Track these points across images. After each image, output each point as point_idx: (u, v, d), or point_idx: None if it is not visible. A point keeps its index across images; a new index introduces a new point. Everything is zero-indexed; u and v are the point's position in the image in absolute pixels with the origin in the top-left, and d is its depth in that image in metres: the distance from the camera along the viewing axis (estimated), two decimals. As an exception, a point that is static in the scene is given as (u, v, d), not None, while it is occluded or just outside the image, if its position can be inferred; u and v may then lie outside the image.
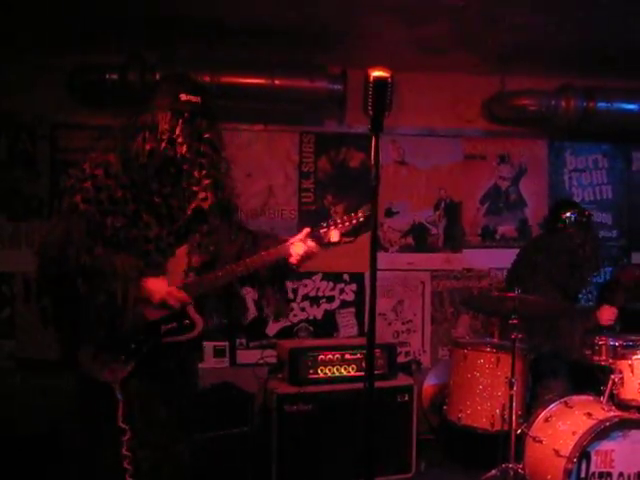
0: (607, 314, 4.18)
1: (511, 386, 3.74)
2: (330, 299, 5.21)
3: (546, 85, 5.11)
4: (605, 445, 3.41)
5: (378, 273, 2.27)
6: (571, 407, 3.68)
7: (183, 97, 2.48)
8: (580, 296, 4.64)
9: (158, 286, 2.44)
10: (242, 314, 2.90)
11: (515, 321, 3.76)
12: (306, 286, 5.18)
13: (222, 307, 2.79)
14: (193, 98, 2.50)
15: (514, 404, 3.73)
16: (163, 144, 2.43)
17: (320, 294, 5.20)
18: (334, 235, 2.53)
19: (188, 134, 2.46)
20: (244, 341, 5.04)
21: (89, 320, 2.35)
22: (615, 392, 3.71)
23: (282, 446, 3.95)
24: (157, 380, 2.48)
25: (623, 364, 3.74)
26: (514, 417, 3.73)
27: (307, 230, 2.62)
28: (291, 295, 5.13)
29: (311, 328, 5.17)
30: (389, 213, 5.28)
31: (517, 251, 4.66)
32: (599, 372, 3.90)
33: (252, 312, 5.05)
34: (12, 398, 4.19)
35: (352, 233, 2.56)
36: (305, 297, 5.17)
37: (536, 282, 4.18)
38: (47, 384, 3.93)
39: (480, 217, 5.46)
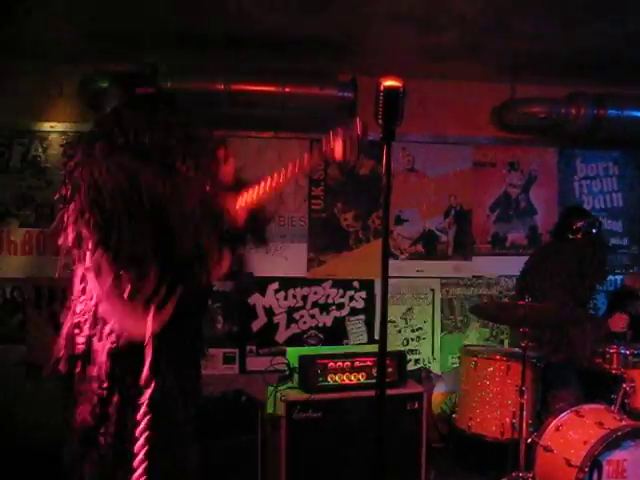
0: (618, 322, 4.17)
1: (521, 394, 3.72)
2: (340, 306, 5.21)
3: (556, 92, 5.11)
4: (617, 454, 3.39)
5: (388, 280, 2.25)
6: (582, 416, 3.66)
7: (139, 91, 2.53)
8: (589, 304, 4.61)
9: None
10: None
11: (525, 329, 3.75)
12: (316, 293, 5.18)
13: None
14: (149, 90, 2.56)
15: (524, 413, 3.71)
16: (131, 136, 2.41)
17: (330, 301, 5.20)
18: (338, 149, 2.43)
19: (151, 123, 2.45)
20: (254, 348, 5.05)
21: None
22: (627, 401, 3.70)
23: (291, 453, 3.93)
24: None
25: (634, 373, 3.73)
26: (524, 426, 3.71)
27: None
28: (301, 302, 5.14)
29: (321, 335, 5.17)
30: (399, 220, 5.28)
31: (527, 259, 4.66)
32: (610, 381, 3.88)
33: (262, 319, 5.08)
34: (23, 404, 4.21)
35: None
36: (315, 304, 5.17)
37: (545, 289, 4.17)
38: (58, 390, 3.94)
39: (490, 224, 5.46)
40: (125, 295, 2.25)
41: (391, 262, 5.10)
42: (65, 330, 2.42)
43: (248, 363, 5.04)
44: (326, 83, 4.70)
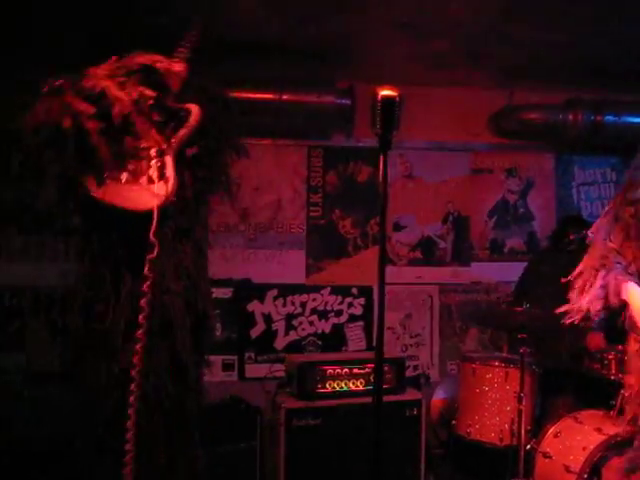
0: (594, 341, 4.12)
1: (520, 401, 3.73)
2: (338, 313, 5.21)
3: (553, 99, 5.12)
4: (616, 461, 3.39)
5: (386, 287, 2.26)
6: (581, 422, 3.66)
7: None
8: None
9: None
10: None
11: (523, 335, 3.75)
12: (314, 300, 5.18)
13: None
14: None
15: (523, 419, 3.72)
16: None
17: (328, 308, 5.20)
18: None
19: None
20: (253, 355, 5.05)
21: None
22: (625, 407, 3.69)
23: (290, 460, 3.94)
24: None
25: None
26: (523, 432, 3.72)
27: None
28: (299, 309, 5.14)
29: (319, 342, 5.17)
30: (397, 227, 5.29)
31: (525, 265, 4.67)
32: (609, 387, 3.88)
33: (261, 326, 5.08)
34: (21, 411, 4.20)
35: None
36: (313, 311, 5.17)
37: (538, 294, 4.19)
38: (56, 397, 3.94)
39: (488, 230, 5.46)
40: None
41: (389, 268, 5.16)
42: None
43: (247, 370, 5.04)
44: (324, 90, 4.72)
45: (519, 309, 3.80)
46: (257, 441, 4.10)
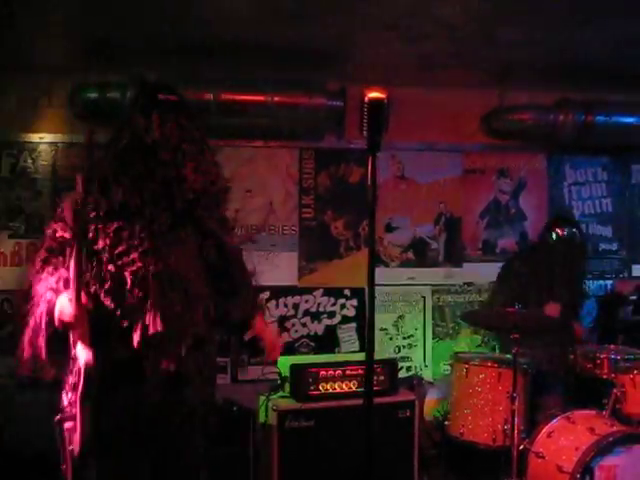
0: (551, 309, 4.23)
1: (512, 401, 3.73)
2: (331, 314, 5.21)
3: (545, 99, 5.14)
4: (608, 460, 3.40)
5: (379, 288, 2.26)
6: (574, 422, 3.67)
7: (161, 96, 2.52)
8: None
9: None
10: None
11: (516, 336, 3.76)
12: (307, 301, 5.18)
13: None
14: (171, 97, 2.53)
15: (516, 419, 3.72)
16: (146, 137, 2.45)
17: (321, 309, 5.20)
18: None
19: (168, 128, 2.47)
20: (245, 357, 5.04)
21: None
22: (618, 406, 3.71)
23: (283, 463, 3.92)
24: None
25: (625, 378, 3.74)
26: (516, 432, 3.72)
27: None
28: (292, 311, 5.14)
29: (312, 344, 5.17)
30: (389, 228, 5.29)
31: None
32: (601, 386, 3.90)
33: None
34: (12, 416, 4.19)
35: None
36: (306, 313, 5.17)
37: (518, 293, 4.23)
38: (47, 402, 3.92)
39: (480, 231, 5.47)
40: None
41: (382, 270, 5.16)
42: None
43: (239, 372, 5.02)
44: (315, 92, 4.72)
45: (511, 309, 3.80)
46: (250, 443, 4.08)
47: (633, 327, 4.70)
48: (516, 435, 3.72)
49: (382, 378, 4.19)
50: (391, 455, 4.05)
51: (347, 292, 5.21)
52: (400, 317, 5.31)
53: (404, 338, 5.32)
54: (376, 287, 2.38)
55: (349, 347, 5.20)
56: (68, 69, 4.63)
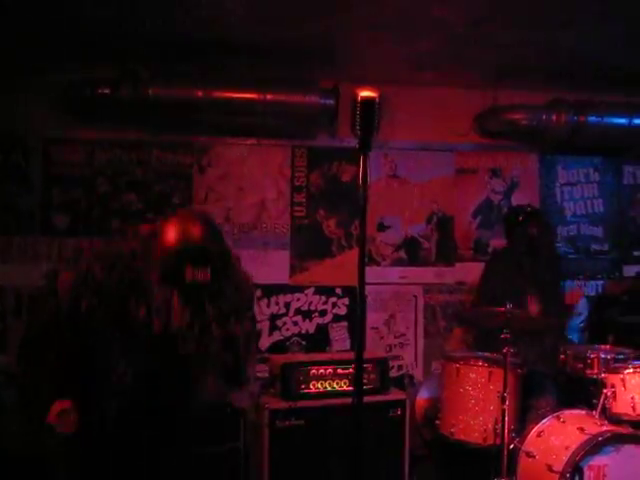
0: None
1: (503, 401, 3.73)
2: (322, 313, 5.21)
3: (537, 99, 5.15)
4: (598, 460, 3.39)
5: (370, 287, 2.26)
6: (564, 422, 3.67)
7: (189, 274, 2.17)
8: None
9: None
10: None
11: (506, 335, 3.76)
12: (298, 300, 5.17)
13: None
14: (200, 275, 2.16)
15: (506, 418, 3.72)
16: (157, 323, 2.22)
17: (312, 308, 5.19)
18: None
19: (189, 315, 2.22)
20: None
21: None
22: (607, 406, 3.71)
23: (274, 461, 3.93)
24: None
25: (615, 378, 3.74)
26: (506, 432, 3.72)
27: None
28: (283, 309, 5.13)
29: (303, 342, 5.16)
30: (381, 227, 5.29)
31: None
32: (591, 386, 3.90)
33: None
34: (4, 414, 4.16)
35: None
36: (297, 311, 5.16)
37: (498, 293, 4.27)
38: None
39: (472, 231, 5.48)
40: None
41: (374, 269, 5.16)
42: None
43: (231, 371, 5.01)
44: (308, 90, 4.72)
45: (501, 309, 3.80)
46: (241, 442, 4.07)
47: (624, 327, 4.71)
48: (506, 434, 3.71)
49: (373, 377, 4.20)
50: (381, 454, 4.07)
51: (339, 291, 5.21)
52: (392, 316, 5.31)
53: (395, 337, 5.32)
54: (367, 286, 2.36)
55: (340, 346, 5.20)
56: (61, 64, 4.60)
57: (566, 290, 5.15)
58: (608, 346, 4.09)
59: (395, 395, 4.31)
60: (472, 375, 4.04)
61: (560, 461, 3.39)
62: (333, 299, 5.21)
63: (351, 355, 4.51)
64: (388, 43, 4.30)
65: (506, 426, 3.71)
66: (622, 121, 5.14)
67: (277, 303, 5.13)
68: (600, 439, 3.40)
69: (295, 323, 5.16)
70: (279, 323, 5.13)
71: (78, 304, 2.30)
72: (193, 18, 3.91)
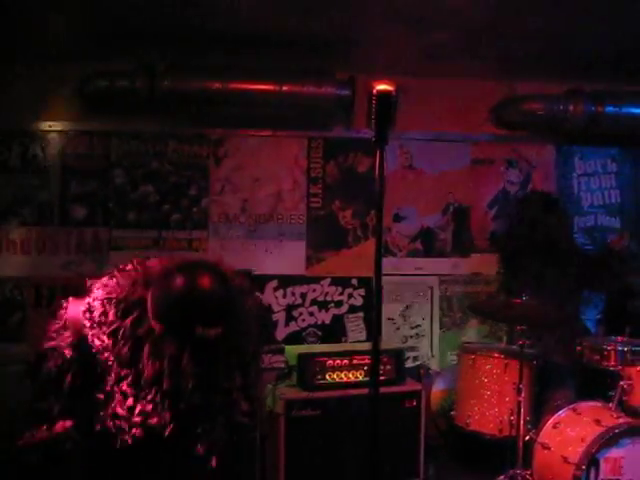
0: None
1: (519, 392, 3.74)
2: (338, 304, 5.22)
3: (554, 89, 5.10)
4: (614, 452, 3.40)
5: (386, 278, 2.26)
6: (579, 414, 3.67)
7: (199, 331, 1.92)
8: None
9: None
10: None
11: (522, 327, 3.76)
12: (314, 291, 5.19)
13: None
14: (211, 331, 1.92)
15: (522, 410, 3.73)
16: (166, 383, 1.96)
17: (328, 299, 5.21)
18: None
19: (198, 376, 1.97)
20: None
21: None
22: (624, 398, 3.70)
23: (290, 451, 3.95)
24: None
25: (632, 370, 3.73)
26: (522, 423, 3.73)
27: None
28: (299, 300, 5.15)
29: (319, 333, 5.18)
30: (397, 218, 5.29)
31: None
32: (608, 378, 3.89)
33: (261, 317, 5.07)
34: (23, 402, 4.22)
35: None
36: (313, 302, 5.18)
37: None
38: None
39: (488, 221, 5.46)
40: None
41: (389, 260, 5.17)
42: None
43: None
44: (324, 82, 4.71)
45: (517, 301, 3.80)
46: (257, 432, 4.11)
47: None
48: (522, 426, 3.73)
49: (389, 368, 4.22)
50: (397, 444, 4.08)
51: (354, 282, 5.22)
52: (407, 307, 5.31)
53: (411, 328, 5.33)
54: (383, 277, 2.37)
55: (356, 337, 5.22)
56: (78, 57, 4.64)
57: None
58: (625, 338, 4.08)
59: (411, 386, 4.31)
60: (488, 366, 4.06)
61: (576, 453, 3.40)
62: (349, 290, 5.22)
63: (367, 346, 4.53)
64: (404, 34, 4.28)
65: (522, 417, 3.72)
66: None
67: (293, 294, 5.15)
68: (616, 431, 3.40)
69: (311, 314, 5.18)
70: (295, 314, 5.15)
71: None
72: (208, 9, 3.91)
